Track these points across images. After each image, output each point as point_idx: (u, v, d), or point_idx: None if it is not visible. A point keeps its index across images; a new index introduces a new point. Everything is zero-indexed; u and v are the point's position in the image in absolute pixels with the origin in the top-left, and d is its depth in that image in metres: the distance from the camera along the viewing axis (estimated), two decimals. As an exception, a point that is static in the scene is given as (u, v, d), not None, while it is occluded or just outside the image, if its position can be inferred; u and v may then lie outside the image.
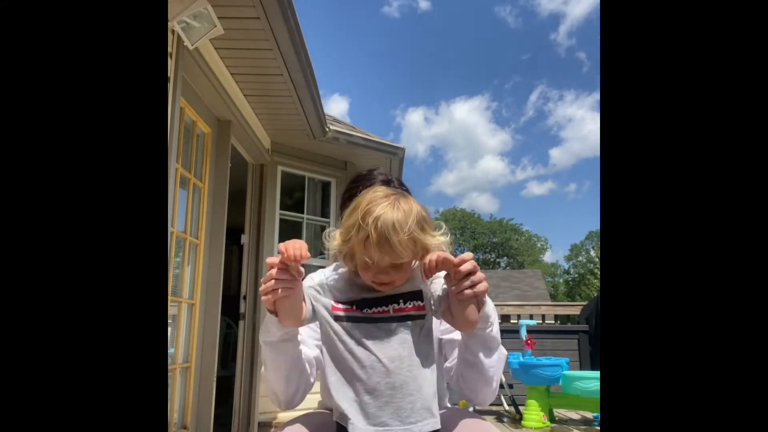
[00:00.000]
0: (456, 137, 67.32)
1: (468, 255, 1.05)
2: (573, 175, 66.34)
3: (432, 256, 1.04)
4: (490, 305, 1.13)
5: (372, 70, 73.08)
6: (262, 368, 1.25)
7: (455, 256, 1.05)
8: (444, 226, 1.12)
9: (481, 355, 1.17)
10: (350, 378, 1.06)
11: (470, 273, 1.04)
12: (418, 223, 1.04)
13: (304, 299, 1.08)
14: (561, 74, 66.54)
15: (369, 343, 1.06)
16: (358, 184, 1.42)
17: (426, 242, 1.06)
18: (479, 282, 1.05)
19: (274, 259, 1.04)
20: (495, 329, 1.16)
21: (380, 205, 1.04)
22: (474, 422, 1.21)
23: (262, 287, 1.05)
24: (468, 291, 1.03)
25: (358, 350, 1.06)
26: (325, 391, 1.29)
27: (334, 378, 1.08)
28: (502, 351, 1.22)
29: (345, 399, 1.05)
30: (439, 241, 1.08)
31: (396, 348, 1.05)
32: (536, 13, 65.36)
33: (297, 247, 1.02)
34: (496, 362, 1.19)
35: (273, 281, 1.03)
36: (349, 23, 69.77)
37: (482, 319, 1.11)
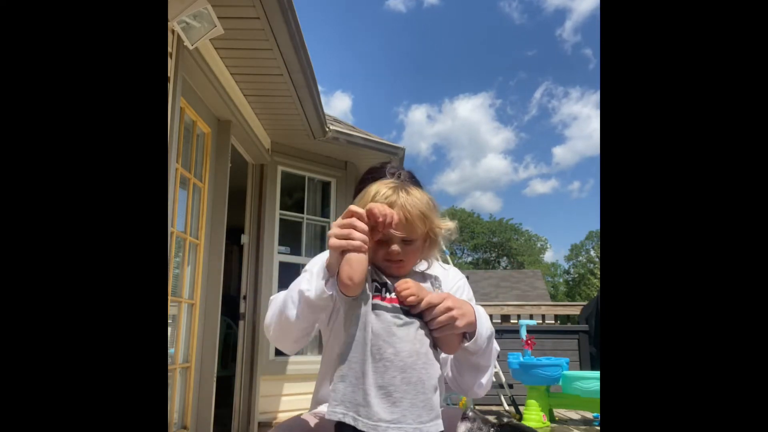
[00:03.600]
0: (459, 135, 66.91)
1: (438, 298, 1.06)
2: (576, 174, 65.90)
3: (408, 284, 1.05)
4: (483, 336, 1.13)
5: (375, 67, 72.48)
6: (272, 311, 1.23)
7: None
8: (448, 218, 1.18)
9: (470, 374, 1.22)
10: (364, 368, 1.00)
11: (437, 311, 1.05)
12: (427, 204, 1.11)
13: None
14: (567, 71, 65.98)
15: (388, 334, 1.02)
16: (370, 176, 1.45)
17: (435, 223, 1.13)
18: (445, 322, 1.05)
19: (360, 211, 1.03)
20: (488, 353, 1.18)
21: (387, 188, 1.11)
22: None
23: (336, 231, 1.03)
24: (436, 326, 1.05)
25: (377, 340, 1.01)
26: (329, 376, 1.16)
27: (345, 364, 1.02)
28: (495, 347, 1.24)
29: (355, 389, 1.00)
30: (448, 226, 1.15)
31: (414, 343, 1.03)
32: (542, 9, 64.67)
33: (392, 213, 1.03)
34: (489, 373, 1.24)
35: (353, 231, 1.02)
36: (352, 18, 69.22)
37: (472, 346, 1.13)
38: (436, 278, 1.18)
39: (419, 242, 1.12)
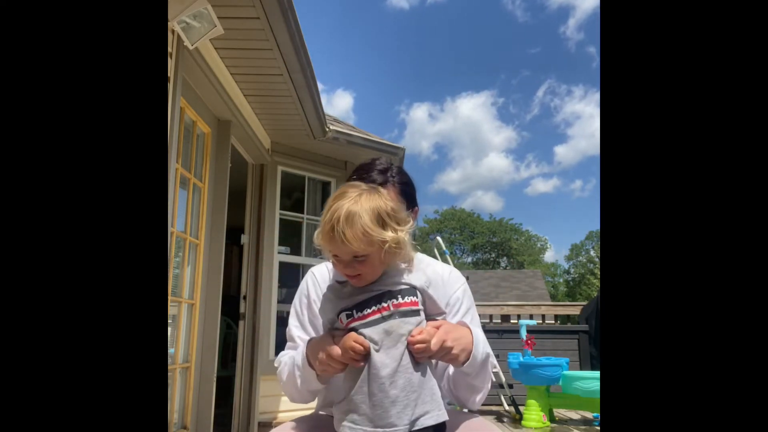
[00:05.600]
0: (461, 134, 66.31)
1: (427, 337, 1.07)
2: (578, 173, 65.34)
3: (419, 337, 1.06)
4: (477, 359, 1.16)
5: (377, 65, 71.68)
6: (281, 373, 1.31)
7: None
8: (410, 222, 1.14)
9: (465, 392, 1.26)
10: (353, 380, 1.06)
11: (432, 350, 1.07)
12: (374, 218, 1.05)
13: None
14: (570, 69, 65.15)
15: (371, 344, 1.05)
16: (357, 173, 1.43)
17: (381, 237, 1.06)
18: (442, 353, 1.09)
19: (337, 352, 1.08)
20: (482, 374, 1.22)
21: (342, 199, 1.07)
22: (479, 422, 1.24)
23: (323, 362, 1.11)
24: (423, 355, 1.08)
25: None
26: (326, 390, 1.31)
27: (337, 381, 1.09)
28: (492, 362, 1.27)
29: (348, 401, 1.05)
30: (397, 236, 1.08)
31: (398, 345, 1.05)
32: (545, 6, 63.89)
33: (358, 344, 1.05)
34: (484, 393, 1.28)
35: (337, 363, 1.09)
36: (354, 15, 68.69)
37: (468, 368, 1.16)
38: (424, 289, 1.15)
39: (374, 255, 1.07)
